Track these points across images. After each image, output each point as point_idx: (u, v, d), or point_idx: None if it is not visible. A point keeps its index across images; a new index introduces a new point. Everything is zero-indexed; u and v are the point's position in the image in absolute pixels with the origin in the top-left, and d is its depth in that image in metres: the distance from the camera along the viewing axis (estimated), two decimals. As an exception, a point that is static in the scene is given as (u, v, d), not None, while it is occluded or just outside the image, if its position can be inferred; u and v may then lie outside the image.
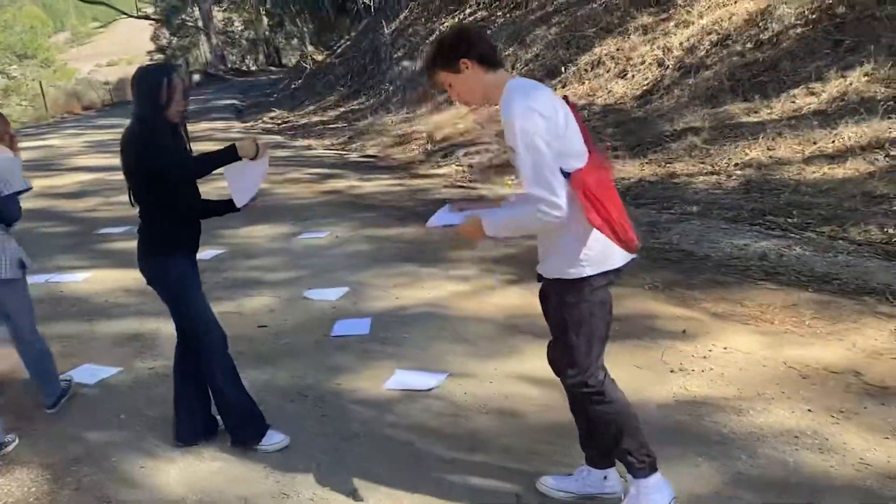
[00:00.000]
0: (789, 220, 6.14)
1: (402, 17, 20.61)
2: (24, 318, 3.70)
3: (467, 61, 2.35)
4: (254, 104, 25.18)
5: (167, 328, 4.79)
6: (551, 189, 2.21)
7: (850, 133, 7.64)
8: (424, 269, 5.66)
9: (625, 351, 3.91)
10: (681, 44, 11.42)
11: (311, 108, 20.61)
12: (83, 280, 6.05)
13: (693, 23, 11.64)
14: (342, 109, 18.88)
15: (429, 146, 12.60)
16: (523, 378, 3.70)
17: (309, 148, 14.72)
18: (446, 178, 9.67)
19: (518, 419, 3.30)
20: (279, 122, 19.80)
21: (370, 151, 13.32)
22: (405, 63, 18.43)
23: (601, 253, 2.36)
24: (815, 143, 7.81)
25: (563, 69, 12.96)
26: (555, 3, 15.24)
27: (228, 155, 3.00)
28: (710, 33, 11.21)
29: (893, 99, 7.77)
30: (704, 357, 3.78)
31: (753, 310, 4.35)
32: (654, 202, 7.29)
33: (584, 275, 2.36)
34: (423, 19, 19.58)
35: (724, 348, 3.86)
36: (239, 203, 3.22)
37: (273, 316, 4.87)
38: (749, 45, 10.40)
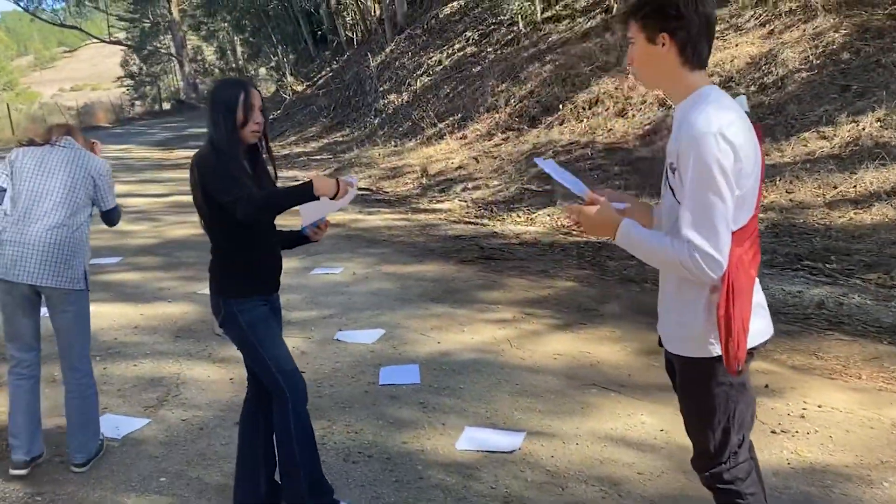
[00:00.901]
0: (828, 265, 5.95)
1: (388, 50, 20.45)
2: (81, 338, 3.30)
3: (667, 37, 1.86)
4: (230, 133, 24.69)
5: (190, 371, 4.36)
6: (716, 243, 1.78)
7: (872, 178, 7.54)
8: (459, 311, 5.31)
9: (711, 407, 3.59)
10: (682, 85, 11.37)
11: (293, 138, 20.24)
12: (83, 316, 5.54)
13: (693, 64, 11.62)
14: (325, 141, 18.55)
15: (423, 180, 12.31)
16: (611, 439, 3.36)
17: (295, 179, 14.30)
18: (451, 214, 9.35)
19: (622, 488, 2.95)
20: (259, 151, 19.33)
21: (361, 184, 12.96)
22: (391, 96, 18.22)
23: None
24: (835, 187, 7.70)
25: (559, 106, 12.83)
26: (547, 40, 15.21)
27: (304, 194, 2.61)
28: (712, 75, 11.16)
29: (911, 146, 7.72)
30: (802, 416, 3.48)
31: (832, 363, 4.08)
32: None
33: (716, 354, 1.90)
34: (409, 53, 19.44)
35: (819, 406, 3.57)
36: (305, 221, 2.86)
37: (307, 360, 4.45)
38: (753, 88, 10.37)
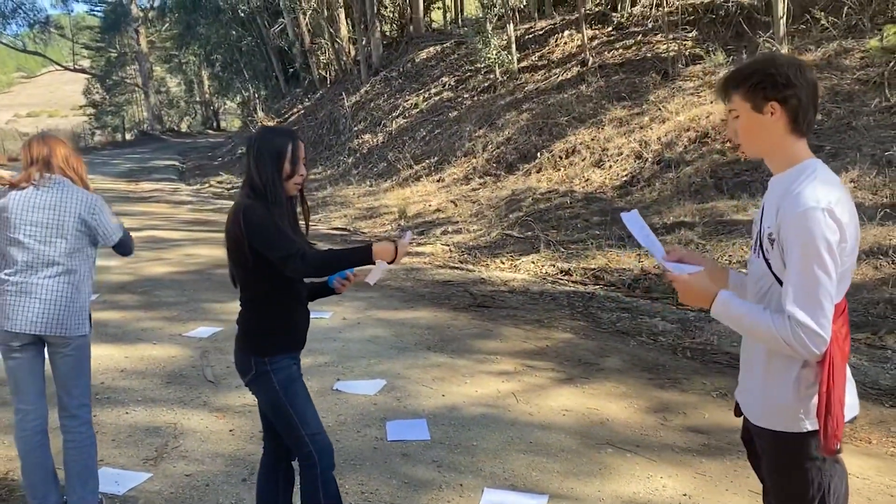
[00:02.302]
0: (817, 324, 6.05)
1: (363, 90, 20.53)
2: (82, 383, 3.16)
3: (777, 107, 1.86)
4: (196, 166, 24.42)
5: (187, 421, 4.19)
6: (821, 319, 1.75)
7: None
8: (459, 361, 5.22)
9: (729, 472, 3.56)
10: (658, 138, 11.62)
11: (263, 174, 20.06)
12: (65, 357, 5.30)
13: (669, 119, 11.90)
14: (297, 178, 18.42)
15: (401, 222, 12.28)
16: (634, 503, 3.29)
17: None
18: (434, 258, 9.30)
19: (656, 557, 2.88)
20: (228, 186, 19.13)
21: (337, 224, 12.86)
22: (366, 136, 18.24)
23: None
24: (814, 245, 7.87)
25: (537, 154, 12.98)
26: (524, 90, 15.44)
27: (361, 256, 2.51)
28: (687, 130, 11.45)
29: (885, 206, 7.96)
30: (821, 481, 3.46)
31: (840, 425, 4.10)
32: (667, 297, 7.12)
33: (807, 429, 1.85)
34: (385, 95, 19.54)
35: (836, 471, 3.56)
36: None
37: (309, 412, 4.30)
38: (728, 145, 10.63)
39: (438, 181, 14.19)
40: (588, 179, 11.81)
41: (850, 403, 1.93)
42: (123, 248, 3.36)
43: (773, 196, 1.92)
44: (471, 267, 8.68)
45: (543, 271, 8.23)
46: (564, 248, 9.01)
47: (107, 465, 3.63)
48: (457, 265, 8.80)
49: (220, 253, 2.64)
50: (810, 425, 1.85)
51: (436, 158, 15.20)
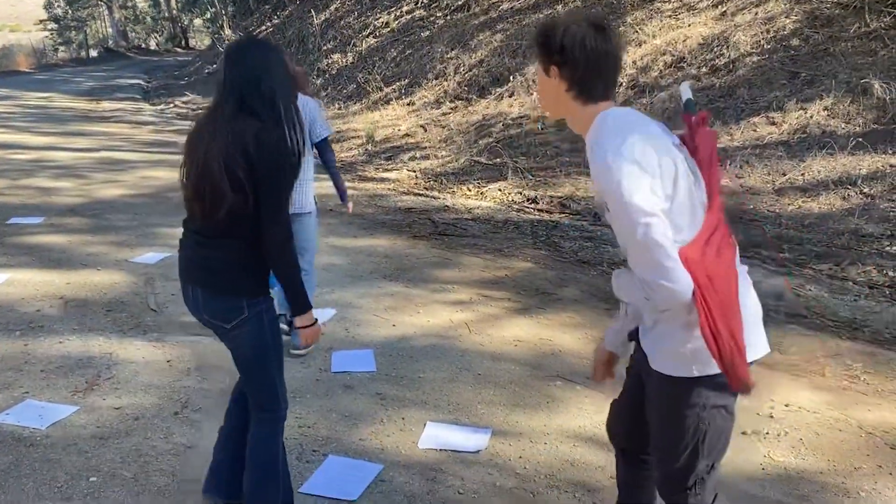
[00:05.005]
0: (781, 254, 5.96)
1: (333, 7, 19.73)
2: None
3: (556, 72, 1.78)
4: (162, 86, 23.57)
5: (123, 351, 4.02)
6: (663, 272, 1.64)
7: (819, 167, 7.62)
8: (413, 291, 5.07)
9: (679, 405, 3.49)
10: (634, 62, 11.29)
11: (230, 95, 19.41)
12: (3, 282, 5.07)
13: (646, 42, 11.55)
14: (265, 99, 17.84)
15: (369, 146, 11.94)
16: (580, 438, 3.20)
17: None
18: (399, 184, 9.06)
19: (597, 495, 2.79)
20: (194, 107, 18.50)
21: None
22: (335, 56, 17.64)
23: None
24: (783, 174, 7.75)
25: (510, 77, 12.59)
26: (499, 9, 14.89)
27: (301, 306, 2.33)
28: (664, 54, 11.12)
29: (857, 135, 7.81)
30: (771, 416, 3.40)
31: (795, 358, 4.03)
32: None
33: (695, 374, 1.79)
34: (356, 13, 18.79)
35: (786, 406, 3.50)
36: None
37: (252, 342, 4.15)
38: (704, 70, 10.35)
39: (409, 104, 13.78)
40: (561, 104, 11.49)
41: (754, 342, 1.80)
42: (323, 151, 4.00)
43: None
44: (436, 194, 8.45)
45: (510, 199, 8.04)
46: (533, 175, 8.81)
47: (32, 397, 3.46)
48: (421, 192, 8.57)
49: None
50: (697, 371, 1.77)
51: (406, 81, 14.73)
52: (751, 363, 1.76)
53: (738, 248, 1.87)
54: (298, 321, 2.31)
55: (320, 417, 3.34)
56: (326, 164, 4.24)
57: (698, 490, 1.92)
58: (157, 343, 4.13)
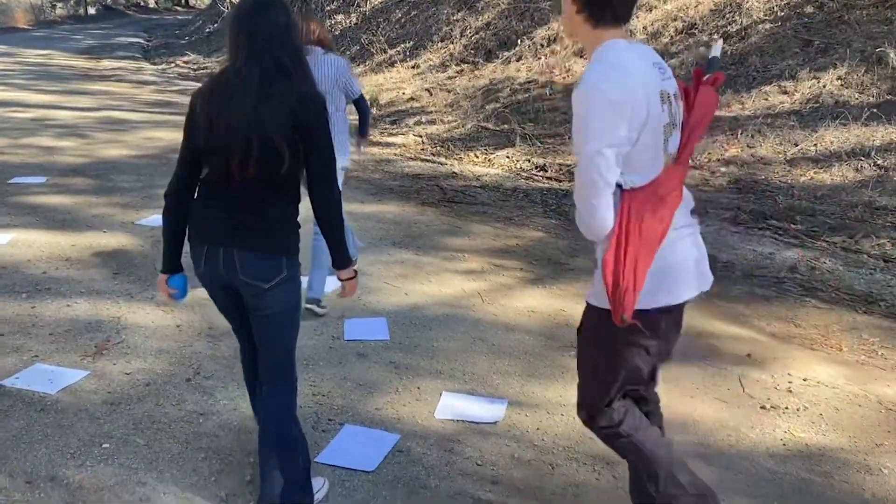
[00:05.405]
0: (794, 225, 5.89)
1: (336, -34, 19.33)
2: None
3: None
4: (162, 45, 23.21)
5: (132, 315, 3.96)
6: (590, 209, 1.79)
7: (832, 137, 7.51)
8: (424, 259, 5.01)
9: (696, 378, 3.45)
10: (644, 27, 11.09)
11: (231, 55, 19.12)
12: (7, 243, 5.00)
13: (657, 6, 11.34)
14: (267, 60, 17.57)
15: (374, 110, 11.77)
16: (598, 410, 3.16)
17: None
18: (406, 149, 8.94)
19: (616, 469, 2.75)
20: (195, 67, 18.23)
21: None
22: (339, 16, 17.34)
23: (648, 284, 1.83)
24: (796, 144, 7.65)
25: (517, 41, 12.38)
26: (507, -30, 14.57)
27: (343, 259, 2.47)
28: (675, 20, 10.92)
29: (871, 106, 7.69)
30: (789, 391, 3.36)
31: (811, 332, 3.99)
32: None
33: (605, 305, 1.88)
34: (360, -28, 18.41)
35: (804, 380, 3.47)
36: None
37: (262, 308, 4.10)
38: (716, 36, 10.17)
39: (413, 67, 13.57)
40: (569, 70, 11.31)
41: (668, 288, 1.87)
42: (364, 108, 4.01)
43: None
44: (443, 160, 8.35)
45: (518, 166, 7.94)
46: (541, 142, 8.69)
47: (41, 361, 3.41)
48: (428, 158, 8.46)
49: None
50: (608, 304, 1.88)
51: (411, 43, 14.50)
52: (660, 308, 1.89)
53: (692, 204, 1.99)
54: (343, 274, 2.39)
55: (335, 386, 3.30)
56: (363, 113, 4.24)
57: (604, 421, 2.10)
58: (165, 307, 4.08)
